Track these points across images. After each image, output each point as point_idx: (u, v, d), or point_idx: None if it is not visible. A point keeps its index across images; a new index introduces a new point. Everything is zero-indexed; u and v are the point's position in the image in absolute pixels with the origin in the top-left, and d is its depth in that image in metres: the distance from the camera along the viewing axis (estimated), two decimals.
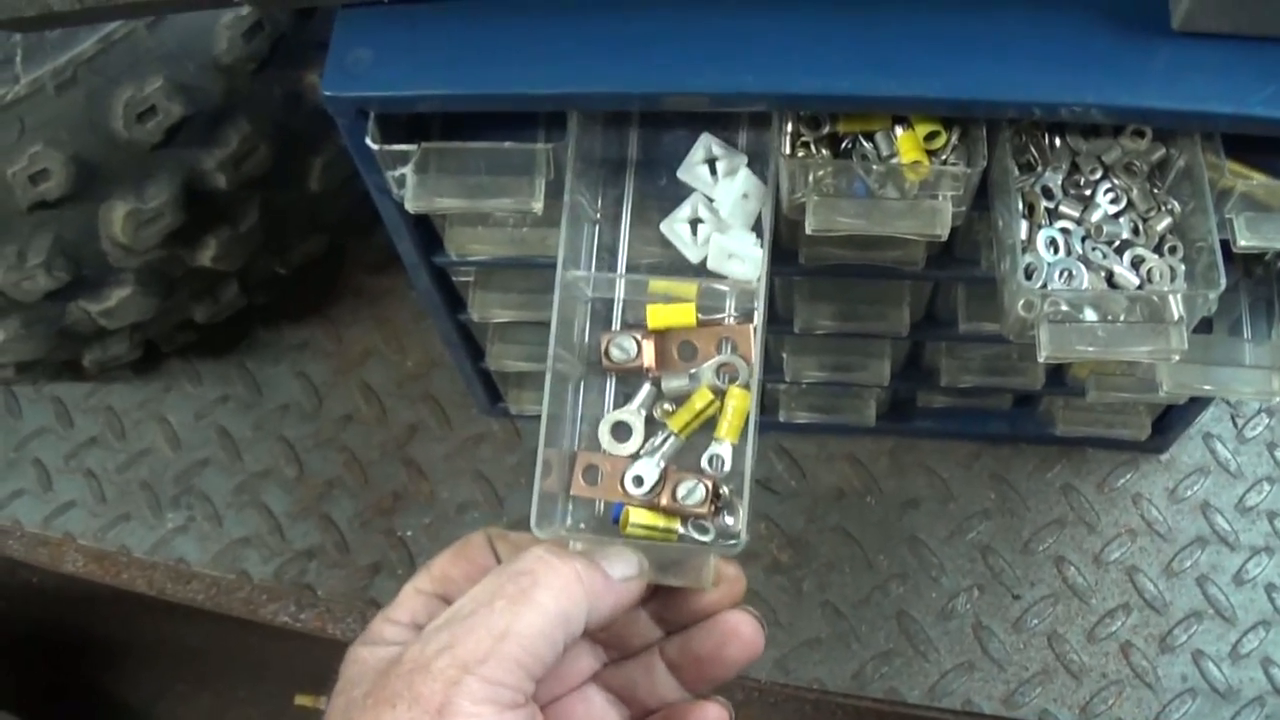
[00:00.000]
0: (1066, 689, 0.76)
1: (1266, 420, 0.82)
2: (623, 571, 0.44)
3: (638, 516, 0.49)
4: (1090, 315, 0.55)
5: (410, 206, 0.59)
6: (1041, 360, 0.54)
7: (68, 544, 0.85)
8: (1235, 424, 0.82)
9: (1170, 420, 0.77)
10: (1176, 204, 0.57)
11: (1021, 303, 0.55)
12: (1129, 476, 0.81)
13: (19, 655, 1.36)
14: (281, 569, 0.81)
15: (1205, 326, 0.65)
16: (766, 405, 0.77)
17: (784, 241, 0.63)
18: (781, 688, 0.74)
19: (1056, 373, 0.72)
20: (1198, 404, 0.75)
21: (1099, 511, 0.80)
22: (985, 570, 0.78)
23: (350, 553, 0.81)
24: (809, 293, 0.66)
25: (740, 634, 0.45)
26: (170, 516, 0.84)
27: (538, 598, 0.40)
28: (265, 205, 0.78)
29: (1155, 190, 0.57)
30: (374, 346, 0.87)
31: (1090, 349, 0.54)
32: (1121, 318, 0.55)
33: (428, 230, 0.66)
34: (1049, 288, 0.55)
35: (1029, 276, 0.56)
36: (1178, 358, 0.55)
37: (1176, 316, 0.55)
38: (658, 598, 0.47)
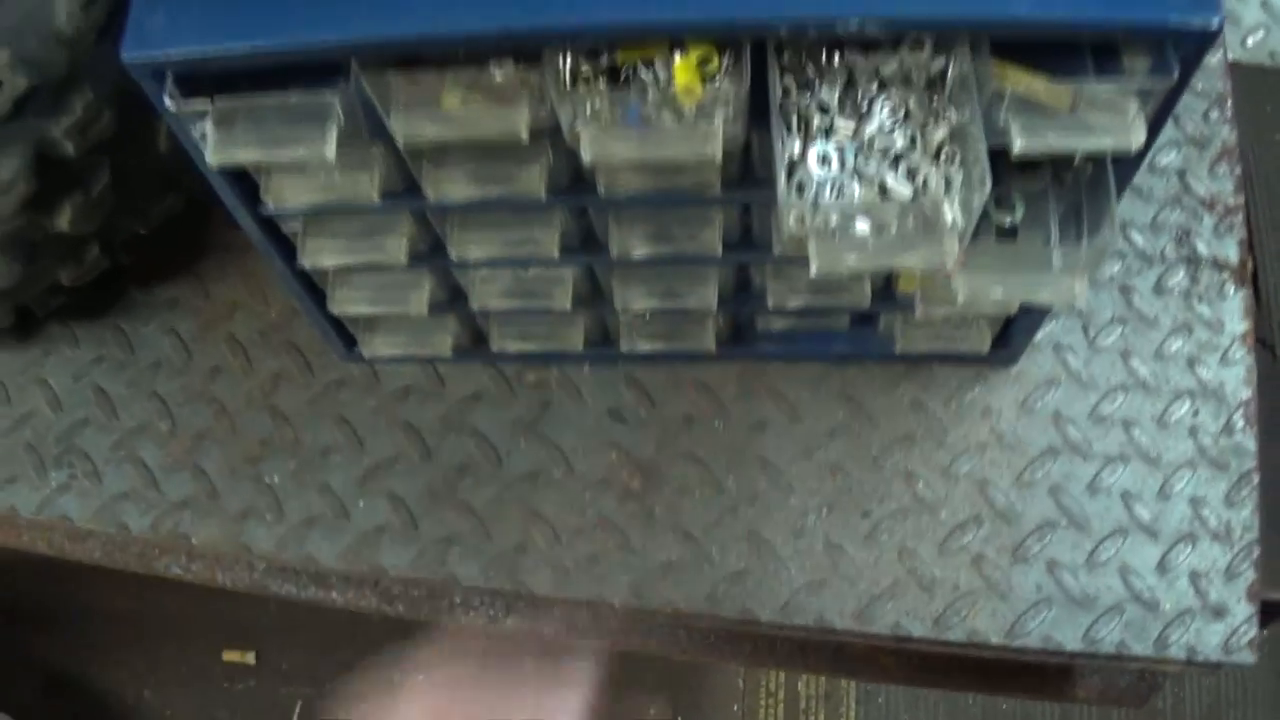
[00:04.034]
0: (919, 602, 0.77)
1: (1119, 330, 0.83)
2: None
3: None
4: (864, 227, 0.56)
5: (211, 161, 0.60)
6: (813, 275, 0.55)
7: None
8: (1087, 334, 0.83)
9: (1012, 333, 0.78)
10: (955, 113, 0.58)
11: (792, 217, 0.56)
12: (977, 390, 0.81)
13: None
14: (158, 520, 0.83)
15: (1013, 236, 0.65)
16: (610, 337, 0.78)
17: (587, 174, 0.64)
18: (636, 612, 0.76)
19: (885, 290, 0.73)
20: (1036, 316, 0.75)
21: (948, 426, 0.80)
22: (834, 488, 0.79)
23: (221, 500, 0.83)
24: (621, 220, 0.67)
25: None
26: (54, 476, 0.86)
27: None
28: (116, 168, 0.80)
29: (934, 101, 0.58)
30: (240, 299, 0.89)
31: (859, 260, 0.55)
32: (894, 228, 0.56)
33: (249, 183, 0.67)
34: (820, 203, 0.56)
35: (800, 193, 0.57)
36: (951, 263, 0.56)
37: (950, 222, 0.56)
38: None
